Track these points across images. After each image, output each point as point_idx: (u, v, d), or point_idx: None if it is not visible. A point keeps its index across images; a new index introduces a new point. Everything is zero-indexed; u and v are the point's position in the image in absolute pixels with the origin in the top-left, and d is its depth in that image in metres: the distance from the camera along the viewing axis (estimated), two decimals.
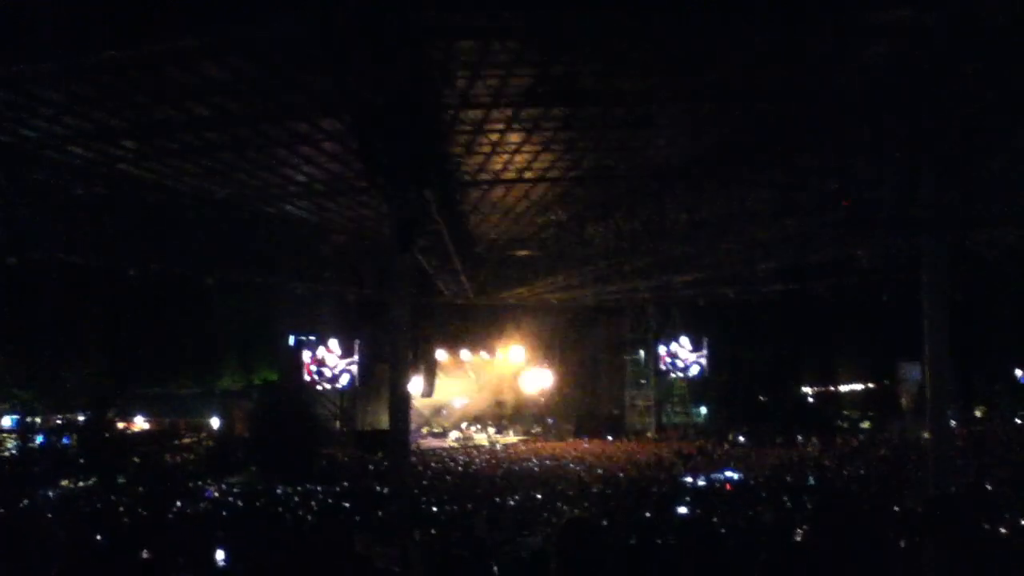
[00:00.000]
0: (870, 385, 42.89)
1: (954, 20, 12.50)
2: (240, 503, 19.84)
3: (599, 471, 24.70)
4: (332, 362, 34.85)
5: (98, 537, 12.42)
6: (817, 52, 14.52)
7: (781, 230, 23.24)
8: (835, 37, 13.75)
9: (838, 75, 15.20)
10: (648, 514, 13.14)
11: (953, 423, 20.31)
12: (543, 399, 43.02)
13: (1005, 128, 16.52)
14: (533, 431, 41.87)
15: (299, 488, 21.90)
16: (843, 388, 43.69)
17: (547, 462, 28.70)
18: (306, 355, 34.60)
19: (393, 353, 13.24)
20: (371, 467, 28.55)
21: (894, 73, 14.83)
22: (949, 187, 17.15)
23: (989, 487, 16.53)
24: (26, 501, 21.20)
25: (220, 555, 9.68)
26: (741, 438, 34.65)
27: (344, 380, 35.25)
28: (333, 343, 34.73)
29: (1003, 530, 10.43)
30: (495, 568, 7.15)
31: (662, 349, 39.53)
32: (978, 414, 34.79)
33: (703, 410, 41.99)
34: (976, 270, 24.72)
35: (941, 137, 15.40)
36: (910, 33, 13.42)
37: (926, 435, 18.83)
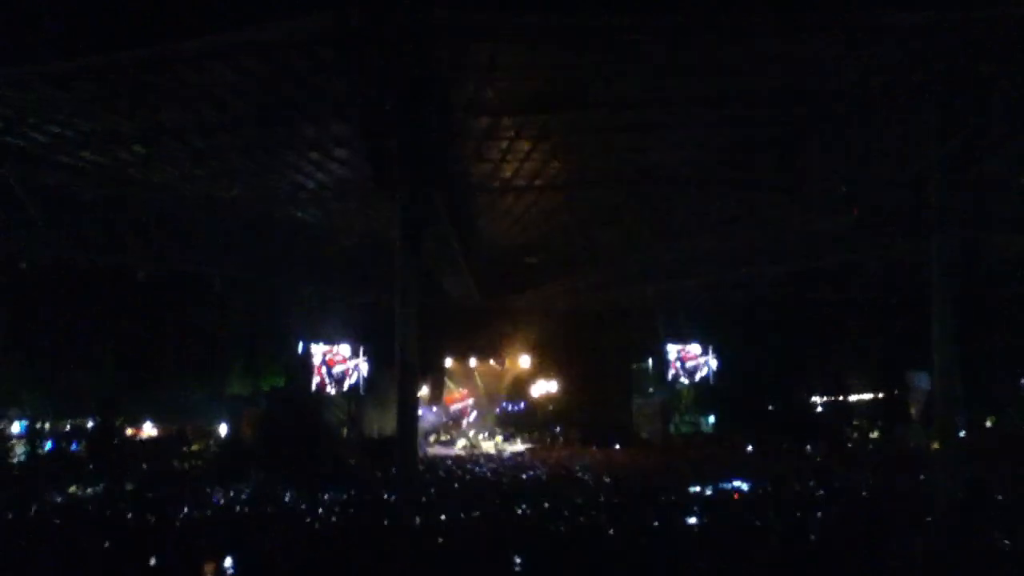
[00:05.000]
0: (879, 394, 42.63)
1: (967, 22, 12.45)
2: (248, 509, 19.79)
3: (607, 479, 24.56)
4: (340, 368, 34.82)
5: (106, 543, 12.41)
6: (826, 54, 14.50)
7: (789, 234, 23.20)
8: (845, 38, 13.72)
9: (847, 77, 15.17)
10: (657, 523, 13.08)
11: (962, 432, 20.18)
12: (550, 406, 42.96)
13: (1016, 130, 16.45)
14: (540, 439, 41.80)
15: (307, 494, 21.82)
16: (852, 397, 43.42)
17: (554, 470, 28.57)
18: (314, 361, 34.57)
19: (401, 359, 13.18)
20: (379, 474, 28.47)
21: (904, 74, 14.79)
22: (959, 191, 17.06)
23: (999, 497, 16.44)
24: (35, 506, 21.22)
25: (228, 561, 9.66)
26: (749, 447, 34.46)
27: (352, 386, 35.22)
28: (341, 348, 34.68)
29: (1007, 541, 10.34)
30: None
31: (670, 356, 39.38)
32: (988, 423, 34.55)
33: (711, 418, 41.80)
34: (987, 277, 24.62)
35: (951, 139, 15.34)
36: (921, 34, 13.37)
37: (935, 445, 18.69)
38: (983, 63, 13.95)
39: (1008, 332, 32.26)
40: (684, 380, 39.38)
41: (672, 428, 40.87)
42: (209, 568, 9.88)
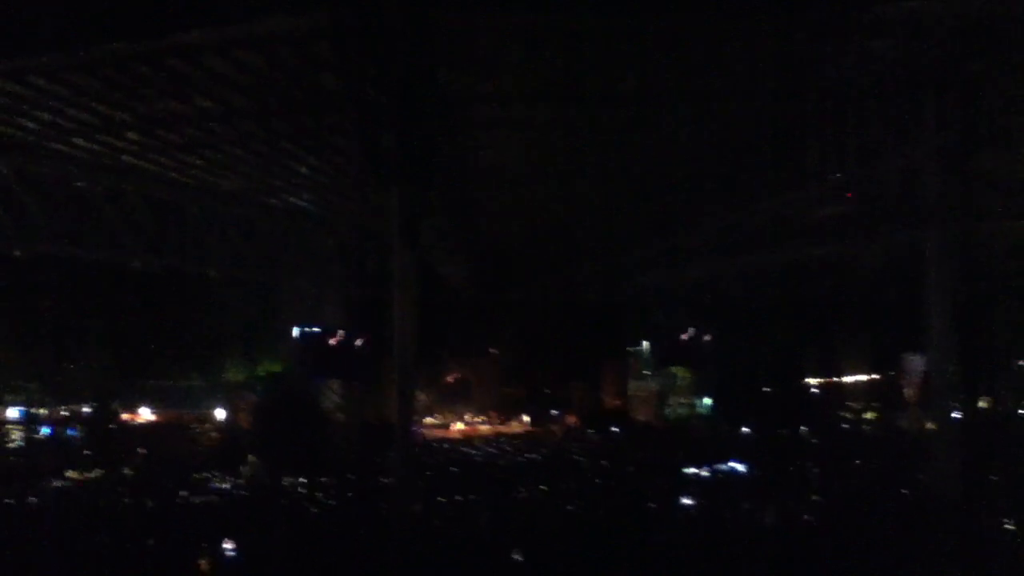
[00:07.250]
0: (875, 376, 42.75)
1: (959, 13, 12.48)
2: (245, 494, 19.91)
3: (603, 463, 24.71)
4: (337, 355, 34.78)
5: (105, 527, 12.49)
6: (822, 46, 14.51)
7: (786, 224, 23.25)
8: (839, 31, 13.74)
9: (842, 69, 15.18)
10: (653, 505, 13.20)
11: (957, 415, 20.32)
12: (547, 390, 43.11)
13: (1011, 121, 16.49)
14: (537, 422, 41.92)
15: (304, 480, 21.93)
16: (847, 379, 43.54)
17: (551, 454, 28.72)
18: (311, 347, 34.52)
19: (398, 346, 13.23)
20: (376, 459, 28.56)
21: (900, 66, 14.82)
22: (955, 181, 17.15)
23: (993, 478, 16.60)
24: (33, 492, 21.32)
25: (226, 545, 9.75)
26: (745, 429, 34.60)
27: (348, 373, 35.20)
28: (338, 335, 34.66)
29: (1008, 526, 10.45)
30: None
31: (666, 341, 39.43)
32: (983, 405, 34.67)
33: (707, 401, 41.94)
34: (981, 262, 24.69)
35: (947, 130, 15.40)
36: (916, 27, 13.40)
37: (930, 426, 18.83)
38: (978, 55, 14.00)
39: (1003, 317, 32.39)
40: (680, 365, 39.50)
41: (668, 411, 41.06)
42: (205, 553, 9.98)
